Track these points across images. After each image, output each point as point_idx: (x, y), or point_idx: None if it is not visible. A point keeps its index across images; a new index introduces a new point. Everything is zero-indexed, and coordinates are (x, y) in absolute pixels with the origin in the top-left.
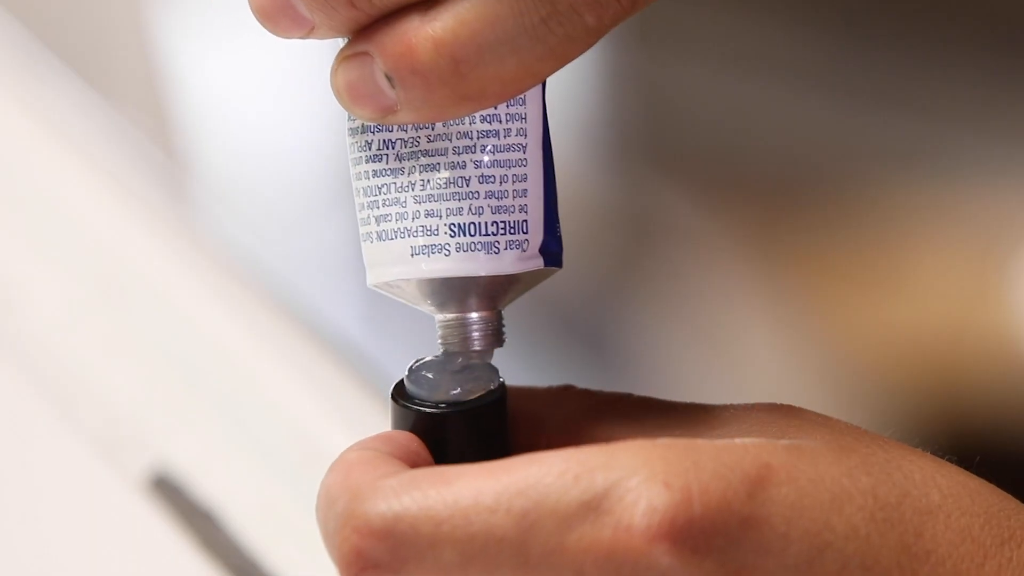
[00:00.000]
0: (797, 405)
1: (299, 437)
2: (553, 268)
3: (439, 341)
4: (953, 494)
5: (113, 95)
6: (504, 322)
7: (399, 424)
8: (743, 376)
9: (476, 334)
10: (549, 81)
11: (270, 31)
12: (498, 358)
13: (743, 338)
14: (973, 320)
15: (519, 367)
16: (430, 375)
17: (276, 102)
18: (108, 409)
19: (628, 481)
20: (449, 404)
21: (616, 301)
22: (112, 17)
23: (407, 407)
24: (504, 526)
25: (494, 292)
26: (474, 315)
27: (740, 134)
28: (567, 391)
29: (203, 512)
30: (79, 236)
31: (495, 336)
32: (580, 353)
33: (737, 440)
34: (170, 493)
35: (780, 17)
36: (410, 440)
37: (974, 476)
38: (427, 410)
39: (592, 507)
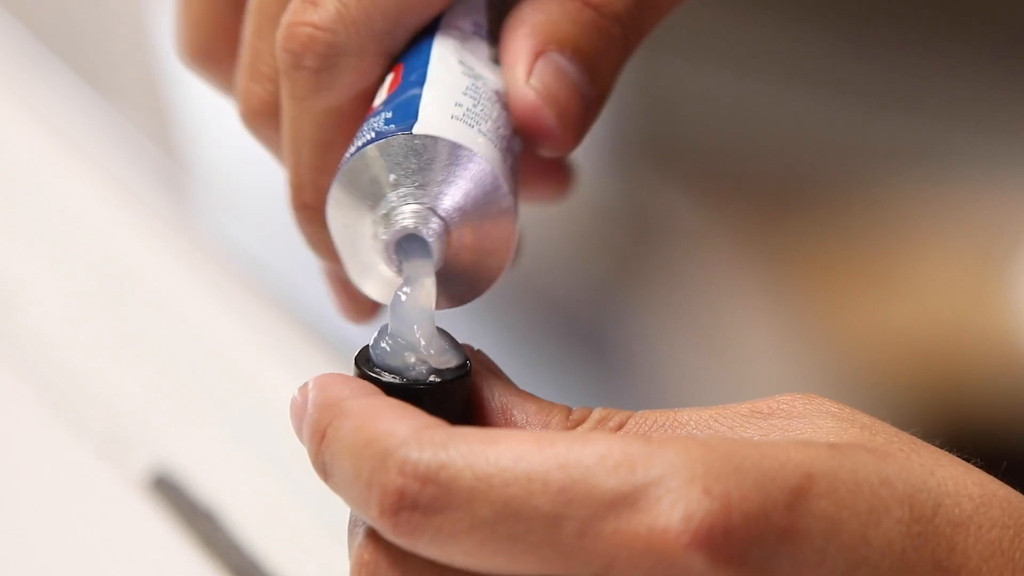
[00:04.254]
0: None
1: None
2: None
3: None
4: (984, 503)
5: (113, 95)
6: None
7: None
8: (743, 376)
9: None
10: None
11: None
12: (499, 358)
13: (743, 337)
14: (973, 320)
15: (520, 367)
16: (396, 347)
17: None
18: (108, 409)
19: (668, 481)
20: (411, 378)
21: (616, 301)
22: (112, 17)
23: (371, 376)
24: (540, 495)
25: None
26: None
27: (740, 134)
28: (562, 410)
29: (203, 512)
30: (79, 236)
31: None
32: (580, 353)
33: (779, 441)
34: (170, 493)
35: (780, 17)
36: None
37: (1002, 483)
38: (387, 379)
39: (629, 501)
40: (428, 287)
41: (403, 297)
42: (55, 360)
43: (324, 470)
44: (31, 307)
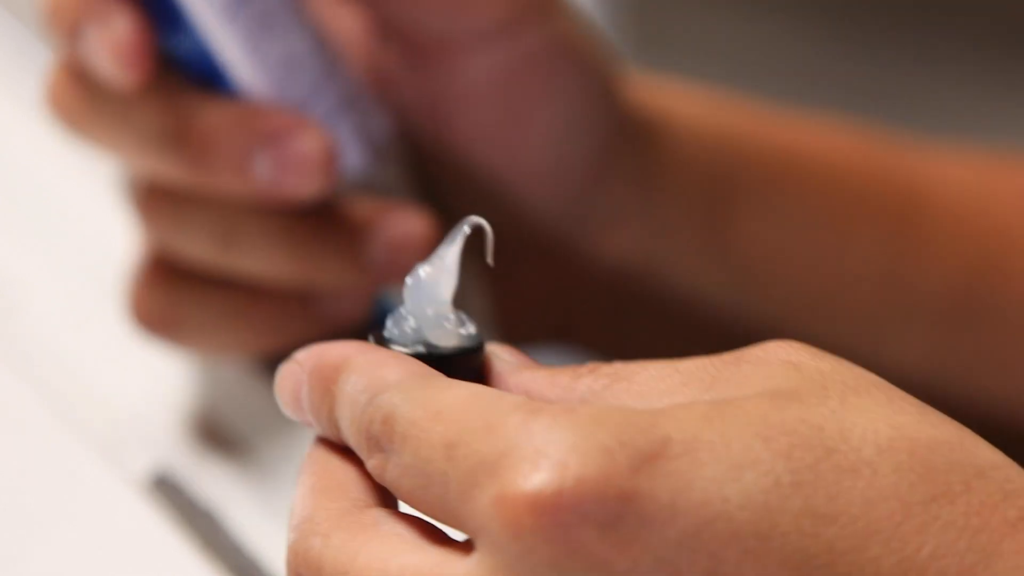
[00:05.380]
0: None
1: (299, 436)
2: None
3: None
4: (891, 448)
5: None
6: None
7: None
8: None
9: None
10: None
11: None
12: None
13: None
14: None
15: None
16: (411, 321)
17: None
18: (108, 409)
19: (523, 449)
20: (426, 347)
21: None
22: None
23: (384, 346)
24: (437, 448)
25: None
26: None
27: None
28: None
29: (203, 512)
30: (79, 236)
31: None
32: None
33: (654, 408)
34: (170, 493)
35: (780, 17)
36: None
37: (939, 424)
38: (403, 350)
39: (490, 465)
40: (451, 265)
41: (423, 275)
42: (55, 360)
43: (336, 425)
44: (31, 307)
